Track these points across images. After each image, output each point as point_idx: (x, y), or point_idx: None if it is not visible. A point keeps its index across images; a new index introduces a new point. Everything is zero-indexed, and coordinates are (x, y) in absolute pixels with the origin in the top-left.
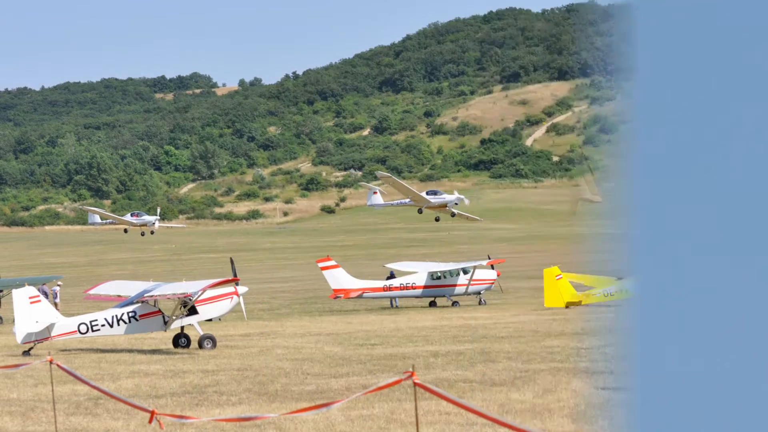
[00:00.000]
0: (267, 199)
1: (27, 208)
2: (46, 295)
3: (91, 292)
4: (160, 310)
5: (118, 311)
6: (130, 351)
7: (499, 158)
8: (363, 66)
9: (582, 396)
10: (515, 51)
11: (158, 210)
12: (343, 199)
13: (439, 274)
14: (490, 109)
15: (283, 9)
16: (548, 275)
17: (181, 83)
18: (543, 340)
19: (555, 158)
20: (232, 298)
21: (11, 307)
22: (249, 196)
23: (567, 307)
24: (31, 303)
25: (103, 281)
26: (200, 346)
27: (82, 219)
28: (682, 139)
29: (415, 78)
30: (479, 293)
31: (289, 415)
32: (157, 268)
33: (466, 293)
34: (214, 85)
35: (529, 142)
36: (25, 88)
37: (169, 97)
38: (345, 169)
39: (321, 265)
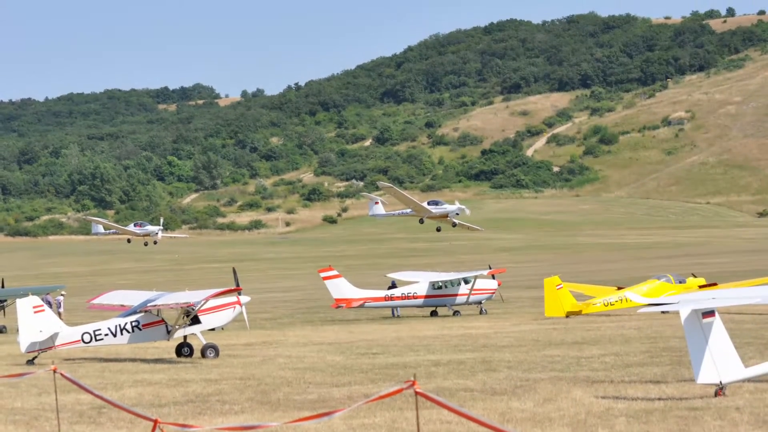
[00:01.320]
0: (269, 209)
1: (31, 218)
2: (49, 304)
3: (95, 301)
4: (163, 320)
5: (122, 320)
6: (134, 360)
7: (499, 168)
8: (365, 77)
9: (582, 405)
10: (516, 62)
11: (161, 220)
12: (344, 209)
13: (441, 284)
14: (491, 120)
15: (285, 21)
16: (549, 285)
17: (184, 94)
18: (543, 350)
19: (555, 168)
20: (234, 307)
21: (15, 317)
22: (251, 206)
23: (567, 316)
24: (35, 312)
25: (106, 291)
26: (203, 355)
27: (85, 229)
28: None
29: (416, 89)
30: (480, 303)
31: (292, 424)
32: (160, 278)
33: (467, 303)
34: (217, 96)
35: (529, 152)
36: (29, 99)
37: (172, 107)
38: (347, 180)
39: (323, 274)
